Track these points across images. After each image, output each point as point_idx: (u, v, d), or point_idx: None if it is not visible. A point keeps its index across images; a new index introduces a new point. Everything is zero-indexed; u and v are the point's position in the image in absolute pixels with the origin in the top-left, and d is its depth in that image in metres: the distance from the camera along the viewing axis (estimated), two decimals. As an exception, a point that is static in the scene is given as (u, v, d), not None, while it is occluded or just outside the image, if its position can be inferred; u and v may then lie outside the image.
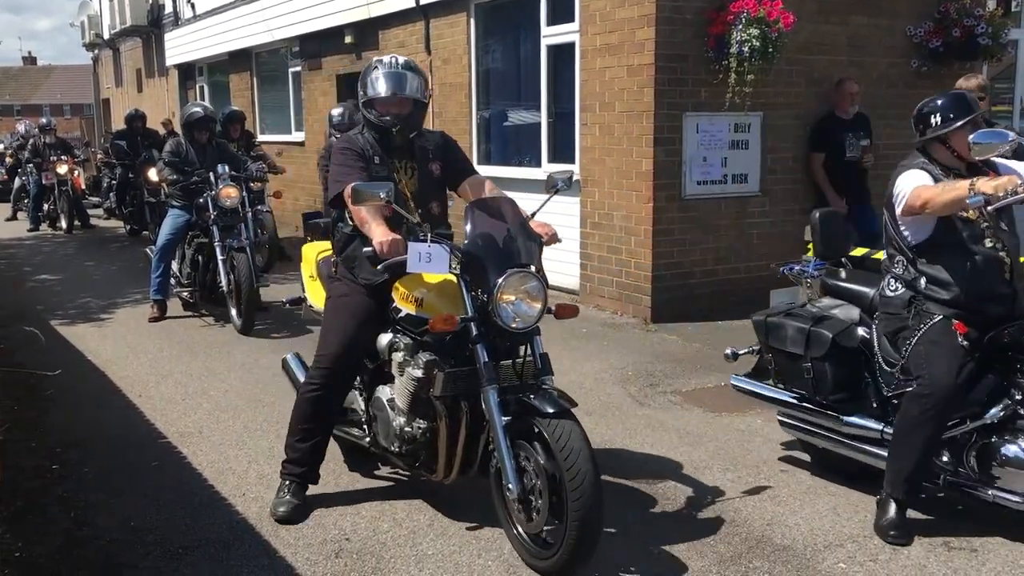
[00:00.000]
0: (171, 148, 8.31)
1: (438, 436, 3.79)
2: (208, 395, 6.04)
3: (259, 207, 11.25)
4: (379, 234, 3.68)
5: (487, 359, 3.57)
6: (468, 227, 3.71)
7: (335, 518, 4.14)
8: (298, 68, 14.28)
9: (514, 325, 3.56)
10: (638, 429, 5.28)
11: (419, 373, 3.74)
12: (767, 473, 4.62)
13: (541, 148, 9.09)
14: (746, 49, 7.30)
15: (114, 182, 15.18)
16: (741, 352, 4.74)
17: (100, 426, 5.44)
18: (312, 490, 4.41)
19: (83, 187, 17.59)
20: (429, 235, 3.60)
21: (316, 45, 13.43)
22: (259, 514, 4.17)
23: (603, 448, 4.93)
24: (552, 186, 4.13)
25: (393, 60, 4.08)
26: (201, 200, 7.94)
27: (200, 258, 8.17)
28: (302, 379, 4.52)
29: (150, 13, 20.57)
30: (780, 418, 4.64)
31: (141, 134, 14.53)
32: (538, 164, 9.11)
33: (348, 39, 12.23)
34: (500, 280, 3.50)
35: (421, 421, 3.86)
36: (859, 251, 6.58)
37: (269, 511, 4.14)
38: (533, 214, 4.00)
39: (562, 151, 8.88)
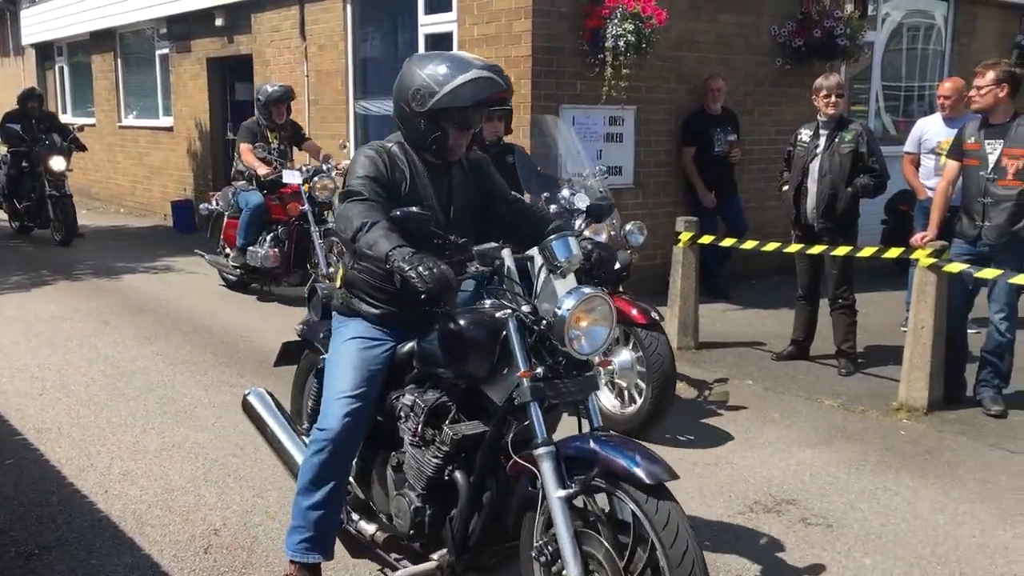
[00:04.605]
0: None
1: None
2: (67, 389, 5.77)
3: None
4: None
5: None
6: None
7: (204, 512, 4.02)
8: (166, 51, 13.75)
9: None
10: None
11: None
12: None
13: (419, 137, 9.04)
14: (621, 43, 7.45)
15: None
16: None
17: (-52, 424, 5.13)
18: (181, 485, 4.29)
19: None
20: None
21: (185, 27, 12.96)
22: (122, 511, 4.02)
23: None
24: None
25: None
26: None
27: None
28: None
29: (4, -13, 19.45)
30: None
31: (37, 117, 12.16)
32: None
33: (219, 21, 11.87)
34: None
35: None
36: (728, 241, 6.86)
37: None
38: None
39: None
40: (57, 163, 11.44)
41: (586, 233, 4.76)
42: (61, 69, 17.93)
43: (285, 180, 8.02)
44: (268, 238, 8.21)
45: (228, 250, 8.61)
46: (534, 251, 2.90)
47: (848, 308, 6.26)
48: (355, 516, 3.36)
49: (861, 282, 6.59)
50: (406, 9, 9.10)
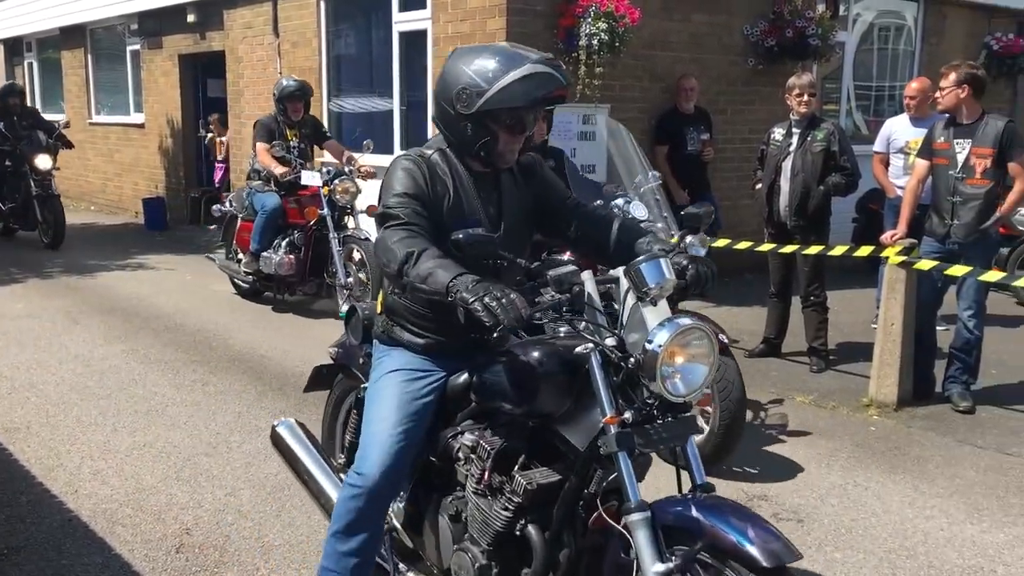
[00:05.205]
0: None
1: None
2: (37, 388, 5.70)
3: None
4: None
5: None
6: None
7: (176, 512, 3.99)
8: (137, 47, 13.62)
9: None
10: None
11: None
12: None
13: (394, 136, 9.03)
14: (595, 42, 7.48)
15: None
16: None
17: (-86, 424, 5.06)
18: (152, 484, 4.25)
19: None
20: None
21: (156, 23, 12.85)
22: (93, 510, 3.98)
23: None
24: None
25: None
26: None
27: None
28: None
29: (-29, -18, 19.15)
30: None
31: (19, 114, 11.48)
32: (391, 152, 9.03)
33: (191, 18, 11.78)
34: None
35: None
36: (699, 240, 6.87)
37: None
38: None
39: (414, 140, 8.84)
40: (43, 161, 10.87)
41: (681, 245, 4.37)
42: (30, 65, 17.70)
43: (304, 181, 7.56)
44: (284, 243, 7.66)
45: (241, 255, 8.11)
46: (619, 272, 2.46)
47: (820, 306, 6.31)
48: (402, 567, 3.04)
49: (832, 280, 6.65)
50: (380, 6, 9.07)
